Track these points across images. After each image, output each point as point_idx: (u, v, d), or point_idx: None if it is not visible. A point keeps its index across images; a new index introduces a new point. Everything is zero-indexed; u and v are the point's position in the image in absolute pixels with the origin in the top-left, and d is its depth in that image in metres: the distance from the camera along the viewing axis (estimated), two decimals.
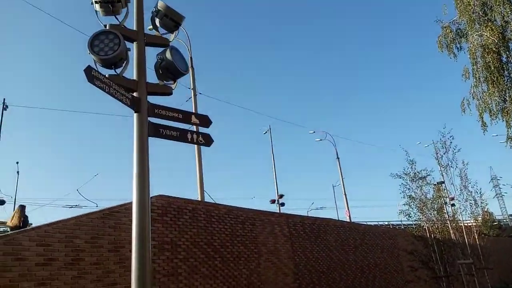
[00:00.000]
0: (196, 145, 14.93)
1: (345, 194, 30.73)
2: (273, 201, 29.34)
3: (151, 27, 4.75)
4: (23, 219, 9.96)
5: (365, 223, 22.80)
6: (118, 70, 4.16)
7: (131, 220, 7.60)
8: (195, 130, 4.79)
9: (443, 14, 15.78)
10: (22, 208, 10.29)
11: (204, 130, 5.00)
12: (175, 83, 4.67)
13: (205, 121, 5.01)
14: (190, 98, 15.95)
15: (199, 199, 14.23)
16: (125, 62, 4.19)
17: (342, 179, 31.28)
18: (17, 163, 27.24)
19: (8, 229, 9.78)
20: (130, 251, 7.53)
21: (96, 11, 4.34)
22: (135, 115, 4.11)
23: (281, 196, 29.53)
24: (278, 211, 23.75)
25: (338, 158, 32.33)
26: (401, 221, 33.43)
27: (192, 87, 16.04)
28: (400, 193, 15.41)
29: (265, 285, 10.29)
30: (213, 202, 12.82)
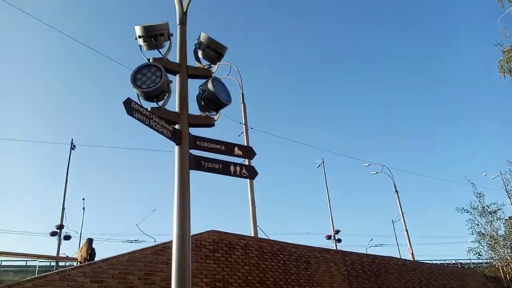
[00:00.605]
0: (248, 180, 14.87)
1: (407, 230, 28.89)
2: (328, 237, 28.28)
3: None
4: (90, 251, 10.26)
5: (430, 261, 21.17)
6: (161, 103, 4.17)
7: None
8: (238, 162, 4.63)
9: (503, 37, 14.94)
10: (90, 241, 10.64)
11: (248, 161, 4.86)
12: (218, 114, 4.61)
13: (249, 152, 4.88)
14: (242, 133, 16.09)
15: (252, 234, 13.99)
16: (167, 94, 4.20)
17: (402, 213, 29.56)
18: (83, 199, 28.55)
19: (75, 263, 10.07)
20: None
21: (139, 45, 4.44)
22: (176, 147, 4.06)
23: (337, 232, 28.42)
24: (334, 248, 22.79)
25: (396, 191, 30.76)
26: (470, 259, 30.79)
27: (244, 122, 16.20)
28: (468, 229, 14.23)
29: None
30: (266, 238, 12.51)
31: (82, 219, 27.19)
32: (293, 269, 9.78)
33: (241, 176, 4.57)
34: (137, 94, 4.11)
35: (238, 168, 4.56)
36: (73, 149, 27.10)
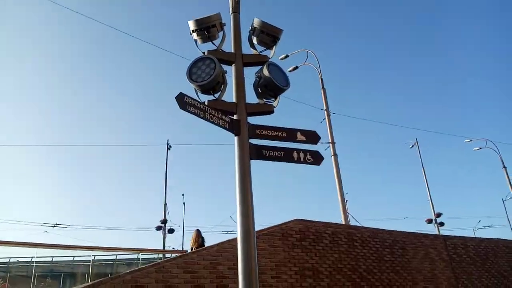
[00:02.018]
0: (334, 163, 14.52)
1: None
2: (429, 221, 26.49)
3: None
4: (201, 239, 10.98)
5: None
6: (217, 95, 4.16)
7: (270, 246, 7.74)
8: (302, 148, 4.46)
9: None
10: (198, 231, 11.38)
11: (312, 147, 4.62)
12: (277, 100, 4.47)
13: (313, 137, 4.62)
14: (324, 119, 15.74)
15: (343, 222, 13.66)
16: (222, 85, 4.18)
17: None
18: (183, 195, 30.57)
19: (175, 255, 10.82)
20: (272, 277, 7.60)
21: (194, 40, 4.46)
22: (235, 138, 4.02)
23: (438, 215, 26.52)
24: (433, 233, 21.31)
25: (504, 167, 27.77)
26: None
27: (324, 108, 15.83)
28: None
29: None
30: (357, 225, 12.12)
31: (183, 213, 29.09)
32: (387, 256, 9.32)
33: (305, 162, 4.38)
34: (195, 89, 4.14)
35: (302, 155, 4.38)
36: (169, 149, 28.96)
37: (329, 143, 15.05)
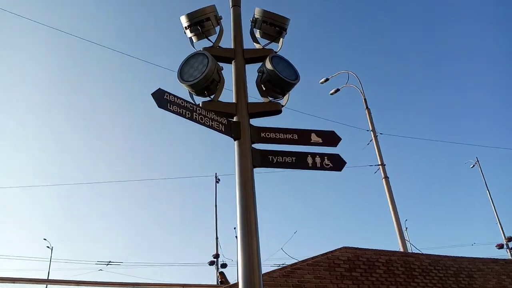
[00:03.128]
0: (386, 187, 13.60)
1: None
2: (500, 246, 24.06)
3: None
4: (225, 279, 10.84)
5: None
6: (214, 96, 3.69)
7: (316, 277, 7.10)
8: (318, 152, 3.86)
9: None
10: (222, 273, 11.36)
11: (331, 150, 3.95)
12: (286, 98, 3.88)
13: (332, 138, 3.95)
14: (371, 141, 14.99)
15: (401, 250, 12.59)
16: (218, 84, 3.67)
17: None
18: (235, 228, 30.21)
19: None
20: None
21: (189, 38, 4.04)
22: (235, 143, 3.49)
23: (510, 239, 24.07)
24: (506, 258, 19.22)
25: None
26: None
27: (370, 129, 15.10)
28: None
29: None
30: (415, 252, 11.07)
31: (236, 247, 28.65)
32: (453, 286, 8.25)
33: (323, 168, 3.72)
34: (189, 93, 3.69)
35: (318, 159, 3.74)
36: (218, 182, 29.01)
37: (379, 165, 14.24)
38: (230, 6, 4.25)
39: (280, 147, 3.77)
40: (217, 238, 26.21)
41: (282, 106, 3.89)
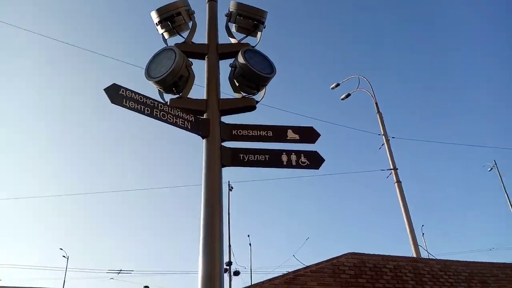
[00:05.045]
0: (398, 191, 13.34)
1: None
2: None
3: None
4: None
5: None
6: (184, 93, 3.55)
7: (320, 284, 6.98)
8: (294, 150, 3.62)
9: None
10: None
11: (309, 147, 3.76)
12: (263, 92, 3.70)
13: (309, 134, 3.74)
14: (383, 145, 14.78)
15: (414, 256, 12.31)
16: (188, 80, 3.52)
17: None
18: (248, 236, 30.07)
19: None
20: None
21: (162, 35, 3.93)
22: (203, 141, 3.33)
23: None
24: None
25: None
26: None
27: (382, 133, 14.89)
28: None
29: None
30: (426, 257, 10.81)
31: (250, 254, 28.49)
32: None
33: (299, 166, 3.52)
34: (158, 91, 3.54)
35: (293, 157, 3.53)
36: (231, 190, 29.01)
37: (391, 169, 14.02)
38: (206, 1, 4.11)
39: (254, 145, 3.59)
40: (229, 245, 26.17)
41: (257, 102, 3.73)
